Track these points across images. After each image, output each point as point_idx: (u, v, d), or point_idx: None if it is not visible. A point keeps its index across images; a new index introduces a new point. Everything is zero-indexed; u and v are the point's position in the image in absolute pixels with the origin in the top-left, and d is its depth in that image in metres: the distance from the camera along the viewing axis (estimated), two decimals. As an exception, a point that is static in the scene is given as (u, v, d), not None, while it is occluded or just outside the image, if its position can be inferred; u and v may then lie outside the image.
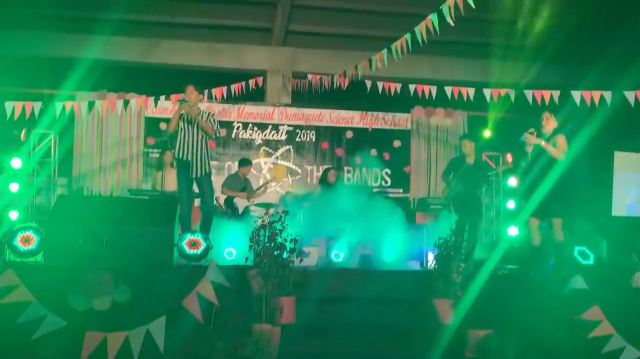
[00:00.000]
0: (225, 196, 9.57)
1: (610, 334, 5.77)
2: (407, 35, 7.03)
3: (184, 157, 6.92)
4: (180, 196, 7.07)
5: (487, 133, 10.86)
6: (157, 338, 5.23)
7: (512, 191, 9.80)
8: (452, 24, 6.21)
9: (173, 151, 7.42)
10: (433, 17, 6.45)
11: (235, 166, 11.02)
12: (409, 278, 6.70)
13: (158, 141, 10.96)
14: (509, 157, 10.31)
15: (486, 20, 9.76)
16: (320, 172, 10.82)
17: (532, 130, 6.91)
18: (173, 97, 10.45)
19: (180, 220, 6.86)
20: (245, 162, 9.89)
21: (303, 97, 11.44)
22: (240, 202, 9.69)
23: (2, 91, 9.83)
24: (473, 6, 6.06)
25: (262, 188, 10.18)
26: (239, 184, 9.68)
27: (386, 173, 11.59)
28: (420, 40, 6.75)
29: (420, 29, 6.74)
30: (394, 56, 7.34)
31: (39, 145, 9.80)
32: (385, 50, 7.54)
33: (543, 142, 6.71)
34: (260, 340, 5.21)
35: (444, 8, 6.23)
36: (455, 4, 6.12)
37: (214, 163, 11.14)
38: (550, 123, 6.91)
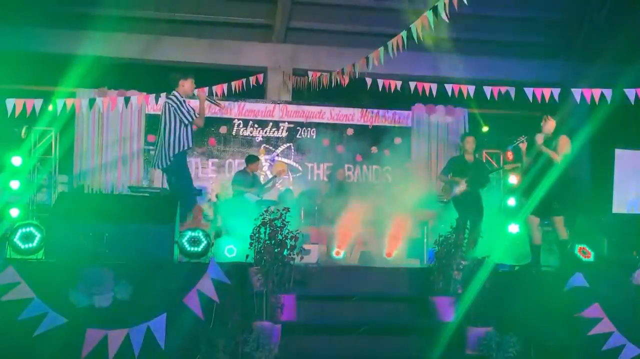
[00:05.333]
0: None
1: (610, 332, 5.78)
2: (403, 33, 7.08)
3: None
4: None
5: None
6: (157, 335, 5.24)
7: (512, 189, 9.78)
8: (447, 20, 6.27)
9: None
10: (428, 14, 6.51)
11: (235, 163, 11.05)
12: (410, 275, 6.69)
13: None
14: (510, 155, 10.28)
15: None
16: (322, 169, 10.84)
17: (522, 138, 6.92)
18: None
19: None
20: (252, 159, 9.93)
21: (303, 94, 11.44)
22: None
23: (3, 88, 9.84)
24: (465, 2, 6.11)
25: (271, 183, 10.29)
26: (248, 180, 9.73)
27: (387, 170, 11.57)
28: (415, 37, 6.81)
29: (415, 26, 6.79)
30: (390, 53, 7.40)
31: (39, 142, 9.80)
32: (381, 48, 7.58)
33: (544, 147, 6.73)
34: (261, 337, 5.22)
35: (439, 4, 6.29)
36: (450, 1, 6.18)
37: (214, 160, 11.23)
38: (549, 124, 6.91)
